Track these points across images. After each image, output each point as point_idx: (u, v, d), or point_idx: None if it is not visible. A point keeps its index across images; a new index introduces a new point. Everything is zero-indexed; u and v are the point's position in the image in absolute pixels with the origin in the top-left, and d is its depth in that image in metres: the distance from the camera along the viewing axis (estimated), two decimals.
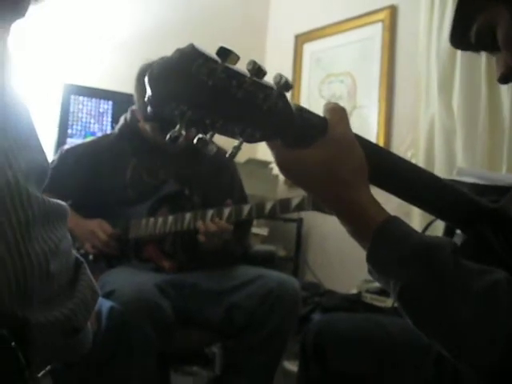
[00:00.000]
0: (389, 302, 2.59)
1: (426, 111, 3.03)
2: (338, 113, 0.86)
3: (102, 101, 3.29)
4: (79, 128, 3.22)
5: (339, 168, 0.83)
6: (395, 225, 0.84)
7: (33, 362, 0.86)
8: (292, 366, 2.55)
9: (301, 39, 4.01)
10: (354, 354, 1.40)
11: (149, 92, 0.70)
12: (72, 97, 3.22)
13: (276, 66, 3.52)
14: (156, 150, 2.34)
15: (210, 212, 2.14)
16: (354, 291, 2.90)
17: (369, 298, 2.78)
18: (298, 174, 0.86)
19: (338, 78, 3.70)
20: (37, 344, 0.85)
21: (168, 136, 0.73)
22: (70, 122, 3.20)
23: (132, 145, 2.36)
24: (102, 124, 3.29)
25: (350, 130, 0.85)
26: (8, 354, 0.80)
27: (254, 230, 3.36)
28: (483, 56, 1.11)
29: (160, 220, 2.22)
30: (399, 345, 1.37)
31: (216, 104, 0.72)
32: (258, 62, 0.75)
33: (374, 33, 3.50)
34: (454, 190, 0.96)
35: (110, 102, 3.30)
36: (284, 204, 2.08)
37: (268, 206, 2.09)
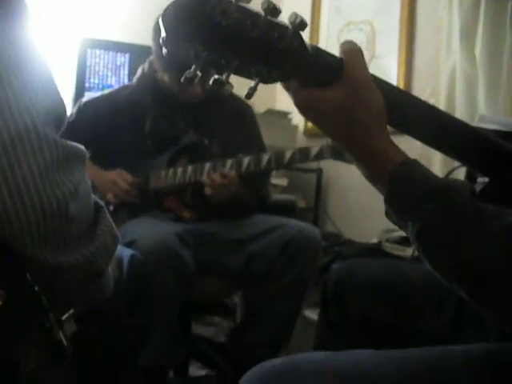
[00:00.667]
0: (409, 251, 2.58)
1: (447, 59, 2.97)
2: (354, 53, 0.83)
3: (118, 53, 3.26)
4: (96, 81, 3.21)
5: (357, 109, 0.81)
6: (413, 166, 0.82)
7: (56, 306, 0.88)
8: (312, 315, 2.56)
9: None
10: (373, 300, 1.40)
11: (163, 33, 0.70)
12: (89, 50, 3.19)
13: None
14: (175, 101, 2.33)
15: (229, 162, 2.14)
16: (375, 241, 2.90)
17: (389, 248, 2.77)
18: (316, 113, 0.84)
19: (357, 26, 3.62)
20: (59, 287, 0.86)
21: (183, 77, 0.73)
22: (87, 76, 3.18)
23: (151, 95, 2.35)
24: (119, 77, 3.27)
25: (367, 71, 0.83)
26: (32, 298, 0.82)
27: (273, 180, 3.35)
28: (509, 2, 1.08)
29: (179, 170, 2.22)
30: (419, 290, 1.37)
31: (231, 44, 0.71)
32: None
33: None
34: (478, 133, 0.94)
35: (127, 55, 3.26)
36: (303, 153, 2.07)
37: (287, 155, 2.08)
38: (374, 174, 0.85)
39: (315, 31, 3.90)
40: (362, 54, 0.84)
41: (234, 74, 0.75)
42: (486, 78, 2.74)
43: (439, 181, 0.81)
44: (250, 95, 0.78)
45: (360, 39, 3.58)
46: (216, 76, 0.75)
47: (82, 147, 0.83)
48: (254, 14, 0.71)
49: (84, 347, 1.12)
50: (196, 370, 2.74)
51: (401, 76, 3.34)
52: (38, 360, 0.75)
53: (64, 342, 0.89)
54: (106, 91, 2.60)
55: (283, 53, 0.74)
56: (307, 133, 3.77)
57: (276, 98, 3.87)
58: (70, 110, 2.48)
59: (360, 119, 0.82)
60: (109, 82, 3.22)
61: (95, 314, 1.13)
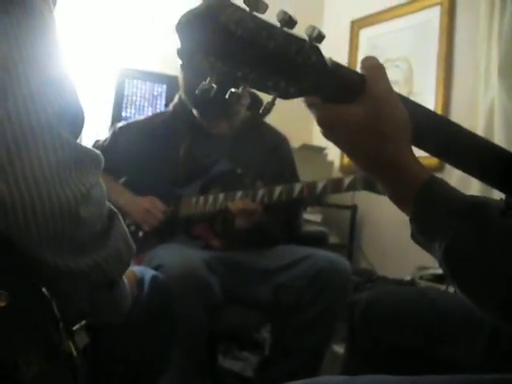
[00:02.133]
0: (442, 289, 2.52)
1: (485, 95, 2.93)
2: (376, 69, 0.81)
3: (155, 84, 3.30)
4: (133, 111, 3.25)
5: (381, 125, 0.79)
6: (439, 184, 0.80)
7: (67, 314, 0.86)
8: (341, 350, 2.50)
9: (357, 25, 3.96)
10: (401, 328, 1.36)
11: (178, 44, 0.69)
12: (127, 80, 3.25)
13: (332, 53, 3.44)
14: (209, 131, 2.33)
15: (261, 191, 2.12)
16: (408, 278, 2.84)
17: (423, 285, 2.71)
18: (339, 130, 0.81)
19: (393, 63, 3.61)
20: (70, 294, 0.84)
21: (198, 89, 0.71)
22: (124, 105, 3.23)
23: (186, 123, 2.35)
24: (156, 107, 3.30)
25: (390, 86, 0.81)
26: (40, 303, 0.80)
27: (308, 216, 3.32)
28: None
29: (210, 198, 2.22)
30: (450, 319, 1.32)
31: (246, 55, 0.69)
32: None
33: (432, 16, 3.41)
34: (501, 150, 0.91)
35: (164, 86, 3.31)
36: (336, 183, 2.05)
37: (319, 185, 2.06)
38: (399, 192, 0.82)
39: (353, 68, 3.89)
40: (384, 69, 0.82)
41: (251, 87, 0.73)
42: None
43: (468, 197, 0.78)
44: (267, 110, 0.77)
45: (397, 76, 3.57)
46: (233, 89, 0.73)
47: (98, 152, 0.82)
48: (269, 25, 0.70)
49: (97, 363, 1.10)
50: None
51: (438, 112, 3.30)
52: (39, 367, 0.72)
53: (74, 352, 0.87)
54: (142, 117, 2.62)
55: (301, 66, 0.72)
56: (343, 169, 3.75)
57: (312, 133, 3.86)
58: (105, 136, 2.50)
59: (387, 133, 0.79)
60: (145, 113, 3.25)
61: (111, 331, 1.11)
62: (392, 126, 0.80)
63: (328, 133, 0.82)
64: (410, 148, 0.82)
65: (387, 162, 0.80)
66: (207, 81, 0.71)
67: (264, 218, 2.17)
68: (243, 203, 2.10)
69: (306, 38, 0.73)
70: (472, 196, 0.78)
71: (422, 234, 0.79)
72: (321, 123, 0.81)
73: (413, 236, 0.81)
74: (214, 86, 0.71)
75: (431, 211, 0.78)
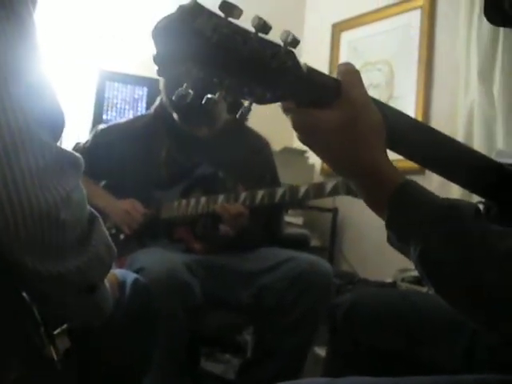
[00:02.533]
0: (424, 291, 2.53)
1: (465, 99, 2.96)
2: (351, 73, 0.82)
3: (136, 87, 3.30)
4: (114, 114, 3.24)
5: (359, 127, 0.79)
6: (413, 187, 0.79)
7: (48, 318, 0.86)
8: (322, 352, 2.51)
9: (338, 28, 3.97)
10: (382, 330, 1.36)
11: (154, 50, 0.69)
12: (107, 83, 3.24)
13: (313, 55, 3.47)
14: (190, 134, 2.33)
15: (243, 195, 2.12)
16: (390, 280, 2.86)
17: (404, 287, 2.73)
18: (314, 135, 0.81)
19: (375, 66, 3.64)
20: (51, 298, 0.84)
21: (175, 95, 0.71)
22: (105, 108, 3.22)
23: (167, 126, 2.35)
24: (137, 110, 3.29)
25: (364, 91, 0.81)
26: (23, 310, 0.79)
27: (289, 218, 3.33)
28: None
29: (192, 201, 2.21)
30: (431, 321, 1.32)
31: (222, 61, 0.70)
32: (295, 51, 0.73)
33: (413, 20, 3.44)
34: (480, 156, 0.92)
35: (145, 89, 3.30)
36: (318, 188, 2.05)
37: (302, 189, 2.06)
38: (374, 196, 0.82)
39: (333, 71, 3.89)
40: (359, 74, 0.82)
41: (227, 93, 0.73)
42: (504, 115, 2.72)
43: (441, 200, 0.78)
44: (243, 115, 0.76)
45: (378, 79, 3.59)
46: (209, 95, 0.73)
47: (79, 156, 0.82)
48: (244, 31, 0.70)
49: (79, 366, 1.09)
50: None
51: (419, 116, 3.33)
52: (20, 371, 0.72)
53: (55, 356, 0.86)
54: (123, 119, 2.61)
55: (277, 71, 0.72)
56: (324, 172, 3.75)
57: (293, 136, 3.84)
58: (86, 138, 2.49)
59: (363, 137, 0.80)
60: (126, 115, 3.24)
61: (92, 334, 1.10)
62: (367, 130, 0.80)
63: (303, 137, 0.82)
64: (385, 152, 0.82)
65: (362, 166, 0.80)
66: (184, 86, 0.71)
67: (247, 222, 2.17)
68: (232, 206, 2.10)
69: (281, 43, 0.73)
70: (445, 199, 0.78)
71: (398, 237, 0.79)
72: (296, 128, 0.81)
73: (389, 240, 0.82)
74: (191, 91, 0.71)
75: (405, 215, 0.78)
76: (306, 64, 0.76)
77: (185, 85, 0.71)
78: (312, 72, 0.77)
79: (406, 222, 0.78)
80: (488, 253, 0.71)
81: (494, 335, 0.79)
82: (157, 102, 2.43)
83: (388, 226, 0.80)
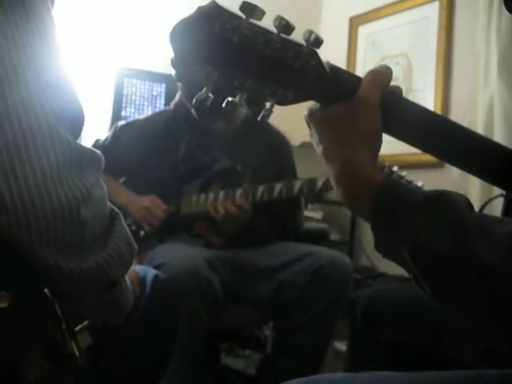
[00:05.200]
0: None
1: (484, 90, 2.94)
2: (372, 74, 0.80)
3: (155, 83, 3.30)
4: (133, 110, 3.24)
5: (347, 126, 0.78)
6: (397, 182, 0.76)
7: (69, 315, 0.86)
8: (343, 347, 2.51)
9: (355, 22, 3.96)
10: (404, 324, 1.36)
11: (172, 53, 0.68)
12: (126, 79, 3.24)
13: (330, 50, 3.45)
14: (209, 129, 2.33)
15: (261, 188, 2.12)
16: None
17: None
18: (316, 128, 0.81)
19: (393, 59, 3.62)
20: (72, 295, 0.84)
21: (195, 99, 0.70)
22: (123, 105, 3.23)
23: (186, 121, 2.35)
24: (155, 106, 3.30)
25: (375, 93, 0.78)
26: (43, 305, 0.80)
27: (308, 213, 3.33)
28: None
29: (211, 196, 2.21)
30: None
31: (243, 63, 0.68)
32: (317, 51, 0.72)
33: (431, 12, 3.41)
34: (500, 147, 0.89)
35: (163, 85, 3.31)
36: None
37: (319, 182, 2.05)
38: (355, 196, 0.78)
39: (351, 65, 3.90)
40: (385, 78, 0.80)
41: (248, 95, 0.72)
42: None
43: (430, 192, 0.72)
44: (265, 117, 0.75)
45: (397, 73, 3.56)
46: (229, 98, 0.72)
47: (99, 152, 0.82)
48: (266, 32, 0.69)
49: (99, 363, 1.10)
50: None
51: (438, 108, 3.31)
52: (42, 368, 0.72)
53: (76, 353, 0.87)
54: (142, 116, 2.62)
55: (299, 72, 0.71)
56: None
57: None
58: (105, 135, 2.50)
59: (345, 136, 0.78)
60: (145, 112, 3.25)
61: (112, 330, 1.10)
62: (357, 131, 0.78)
63: (312, 131, 0.82)
64: (371, 155, 0.79)
65: (343, 162, 0.78)
66: (203, 90, 0.70)
67: (254, 217, 2.17)
68: (225, 207, 2.11)
69: (304, 43, 0.71)
70: (436, 190, 0.72)
71: (386, 237, 0.74)
72: (319, 128, 0.80)
73: (376, 245, 0.75)
74: (211, 95, 0.70)
75: (393, 208, 0.72)
76: (328, 63, 0.75)
77: (204, 88, 0.70)
78: (335, 71, 0.76)
79: (393, 215, 0.72)
80: (486, 235, 0.64)
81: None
82: (176, 98, 2.43)
83: (374, 224, 0.74)
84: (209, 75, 0.69)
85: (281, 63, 0.70)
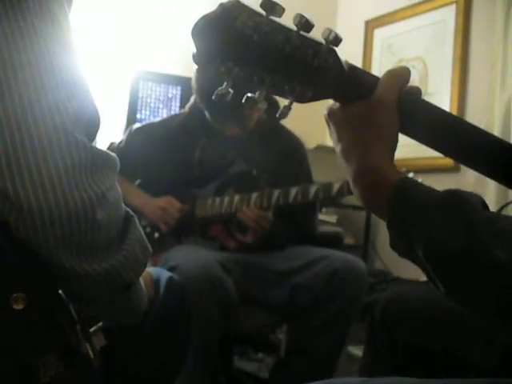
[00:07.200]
0: None
1: (501, 94, 2.92)
2: (390, 75, 0.80)
3: (170, 86, 3.31)
4: (148, 113, 3.25)
5: (365, 126, 0.78)
6: (413, 182, 0.76)
7: (84, 316, 0.86)
8: (357, 351, 2.50)
9: (371, 25, 3.95)
10: (421, 327, 1.35)
11: (194, 49, 0.69)
12: (141, 82, 3.25)
13: (346, 53, 3.44)
14: (224, 133, 2.33)
15: (277, 192, 2.11)
16: (424, 279, 2.82)
17: None
18: (334, 126, 0.81)
19: (409, 63, 3.60)
20: (86, 297, 0.85)
21: (215, 94, 0.72)
22: (138, 107, 3.24)
23: (201, 124, 2.35)
24: (170, 109, 3.31)
25: (392, 94, 0.79)
26: (60, 307, 0.80)
27: (323, 217, 3.32)
28: None
29: (226, 199, 2.21)
30: (468, 320, 1.31)
31: (263, 60, 0.70)
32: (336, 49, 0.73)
33: (447, 15, 3.40)
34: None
35: (179, 88, 3.31)
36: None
37: (335, 186, 2.04)
38: (371, 195, 0.79)
39: (367, 68, 3.88)
40: (402, 78, 0.81)
41: (267, 92, 0.73)
42: None
43: (445, 191, 0.73)
44: (283, 114, 0.76)
45: (412, 76, 3.53)
46: (249, 94, 0.73)
47: (114, 155, 0.82)
48: (286, 29, 0.70)
49: (113, 365, 1.10)
50: None
51: (454, 112, 3.28)
52: (57, 369, 0.73)
53: (91, 354, 0.87)
54: (158, 119, 2.62)
55: (318, 70, 0.72)
56: None
57: (326, 134, 3.85)
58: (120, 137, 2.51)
59: (362, 135, 0.79)
60: (160, 115, 3.26)
61: (127, 332, 1.11)
62: (374, 131, 0.78)
63: (331, 130, 0.82)
64: (385, 154, 0.79)
65: (360, 161, 0.79)
66: (224, 86, 0.71)
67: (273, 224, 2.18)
68: (255, 213, 2.12)
69: (323, 41, 0.72)
70: (451, 189, 0.73)
71: (402, 236, 0.75)
72: (337, 127, 0.81)
73: (392, 244, 0.77)
74: (231, 90, 0.72)
75: (407, 207, 0.73)
76: (347, 61, 0.76)
77: (225, 84, 0.71)
78: (354, 70, 0.77)
79: (409, 215, 0.73)
80: (499, 234, 0.65)
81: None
82: (191, 101, 2.42)
83: (390, 225, 0.75)
84: (229, 70, 0.70)
85: (300, 61, 0.71)
